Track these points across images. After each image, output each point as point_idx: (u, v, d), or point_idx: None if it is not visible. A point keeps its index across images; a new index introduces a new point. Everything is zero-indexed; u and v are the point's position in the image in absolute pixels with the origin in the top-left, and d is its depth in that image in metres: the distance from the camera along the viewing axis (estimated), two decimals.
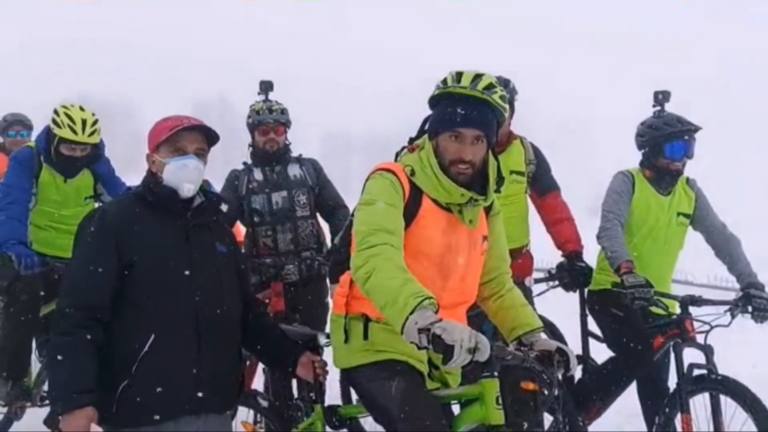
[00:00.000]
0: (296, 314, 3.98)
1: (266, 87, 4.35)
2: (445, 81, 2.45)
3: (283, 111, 4.23)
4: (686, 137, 3.74)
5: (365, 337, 2.49)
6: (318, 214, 4.29)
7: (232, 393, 2.58)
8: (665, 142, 3.74)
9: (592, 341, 4.08)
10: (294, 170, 4.21)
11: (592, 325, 4.06)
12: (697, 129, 3.75)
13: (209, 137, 2.56)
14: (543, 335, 2.60)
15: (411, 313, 2.07)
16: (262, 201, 4.11)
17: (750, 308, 3.51)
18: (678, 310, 3.58)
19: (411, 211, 2.42)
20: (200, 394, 2.38)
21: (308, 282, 4.13)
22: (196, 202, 2.55)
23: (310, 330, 2.97)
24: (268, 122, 4.16)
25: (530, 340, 2.52)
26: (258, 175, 4.17)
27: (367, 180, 2.51)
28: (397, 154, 2.59)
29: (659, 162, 3.78)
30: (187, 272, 2.42)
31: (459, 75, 2.42)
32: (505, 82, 3.83)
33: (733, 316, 3.51)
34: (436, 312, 2.09)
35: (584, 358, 4.03)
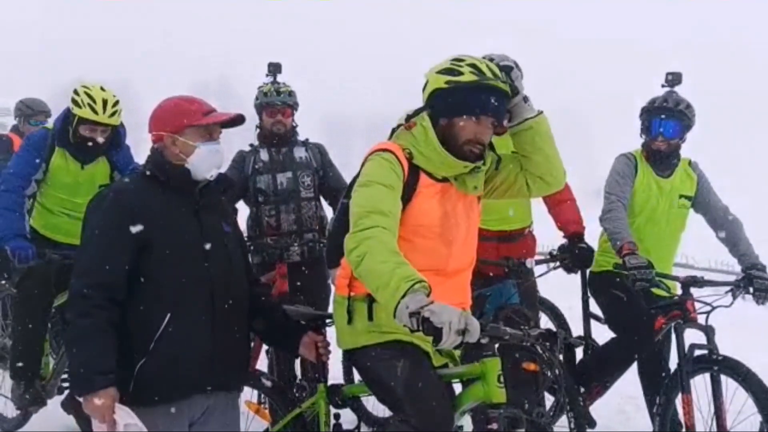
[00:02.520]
0: (300, 295, 4.00)
1: (275, 69, 4.36)
2: (479, 69, 2.42)
3: (291, 93, 4.25)
4: (663, 116, 3.73)
5: (370, 318, 2.51)
6: (322, 198, 4.31)
7: (243, 371, 2.61)
8: (649, 120, 3.78)
9: (593, 322, 4.10)
10: (300, 152, 4.25)
11: (594, 307, 4.08)
12: (677, 111, 3.72)
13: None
14: None
15: (402, 297, 2.10)
16: (267, 181, 4.14)
17: (751, 289, 3.53)
18: (679, 292, 3.59)
19: (410, 189, 2.47)
20: (214, 373, 2.40)
21: (311, 264, 4.15)
22: (204, 181, 2.54)
23: (313, 310, 2.99)
24: (276, 104, 4.20)
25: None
26: (264, 155, 4.20)
27: (365, 161, 2.53)
28: (393, 131, 2.61)
29: (646, 141, 3.83)
30: (201, 250, 2.43)
31: (480, 66, 2.44)
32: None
33: (734, 297, 3.52)
34: (428, 294, 2.11)
35: (586, 339, 4.05)
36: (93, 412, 2.23)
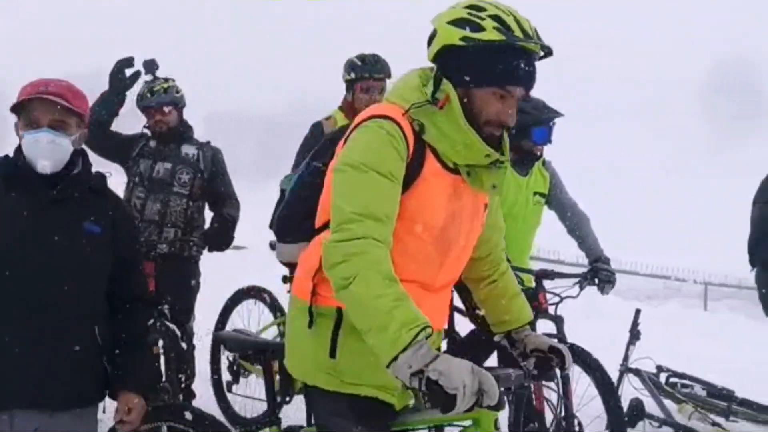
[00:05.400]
0: (167, 295, 3.98)
1: (149, 66, 4.21)
2: (505, 24, 1.86)
3: (167, 90, 4.15)
4: (551, 124, 3.95)
5: (332, 353, 1.99)
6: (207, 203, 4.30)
7: (88, 387, 2.34)
8: (532, 127, 3.93)
9: (456, 315, 4.26)
10: (189, 149, 4.21)
11: (457, 300, 4.23)
12: (559, 115, 3.97)
13: (77, 106, 2.30)
14: (529, 330, 2.34)
15: (403, 350, 1.70)
16: (146, 166, 4.12)
17: (596, 280, 3.81)
18: (533, 284, 3.81)
19: (412, 172, 1.92)
20: (26, 390, 2.20)
21: (175, 260, 4.11)
22: (75, 170, 2.31)
23: (263, 338, 2.82)
24: (152, 105, 4.11)
25: (521, 336, 2.29)
26: (152, 143, 4.18)
27: (355, 127, 1.96)
28: (411, 106, 1.95)
29: (524, 145, 3.98)
30: (22, 253, 2.22)
31: (507, 19, 1.87)
32: None
33: (581, 288, 3.80)
34: (428, 337, 1.73)
35: (450, 332, 4.20)
36: None
